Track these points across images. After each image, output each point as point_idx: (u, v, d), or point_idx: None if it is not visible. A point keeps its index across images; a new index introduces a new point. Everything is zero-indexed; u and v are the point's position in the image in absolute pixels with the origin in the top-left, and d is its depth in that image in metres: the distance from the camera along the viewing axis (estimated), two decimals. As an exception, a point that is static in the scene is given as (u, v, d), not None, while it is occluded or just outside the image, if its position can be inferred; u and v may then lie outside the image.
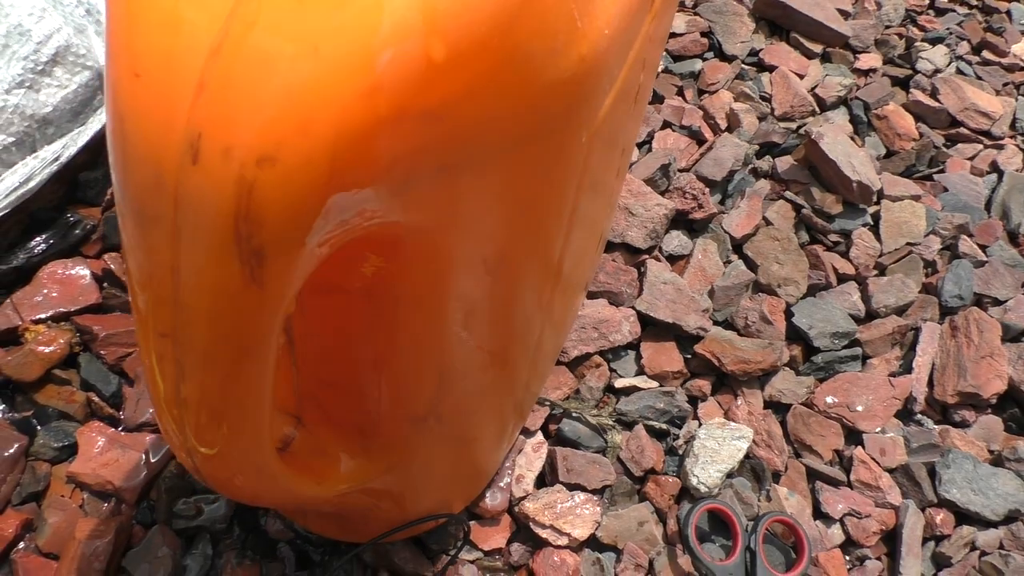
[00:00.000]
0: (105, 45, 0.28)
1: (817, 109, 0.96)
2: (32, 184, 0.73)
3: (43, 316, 0.72)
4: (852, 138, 0.94)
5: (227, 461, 0.38)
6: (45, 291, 0.73)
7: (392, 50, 0.26)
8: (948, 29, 1.08)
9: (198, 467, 0.38)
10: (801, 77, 0.99)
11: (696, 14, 1.03)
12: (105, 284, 0.75)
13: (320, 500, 0.49)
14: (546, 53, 0.30)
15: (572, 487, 0.68)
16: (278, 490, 0.43)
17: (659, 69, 0.97)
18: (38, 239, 0.75)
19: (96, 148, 0.78)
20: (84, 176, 0.79)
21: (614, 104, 0.40)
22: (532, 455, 0.69)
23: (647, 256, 0.81)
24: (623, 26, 0.35)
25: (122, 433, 0.69)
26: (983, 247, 0.87)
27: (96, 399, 0.69)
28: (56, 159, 0.75)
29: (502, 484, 0.68)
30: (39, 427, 0.68)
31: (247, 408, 0.35)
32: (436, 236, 0.34)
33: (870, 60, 1.01)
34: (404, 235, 0.34)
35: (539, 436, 0.71)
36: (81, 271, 0.75)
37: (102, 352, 0.71)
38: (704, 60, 0.99)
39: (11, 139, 0.72)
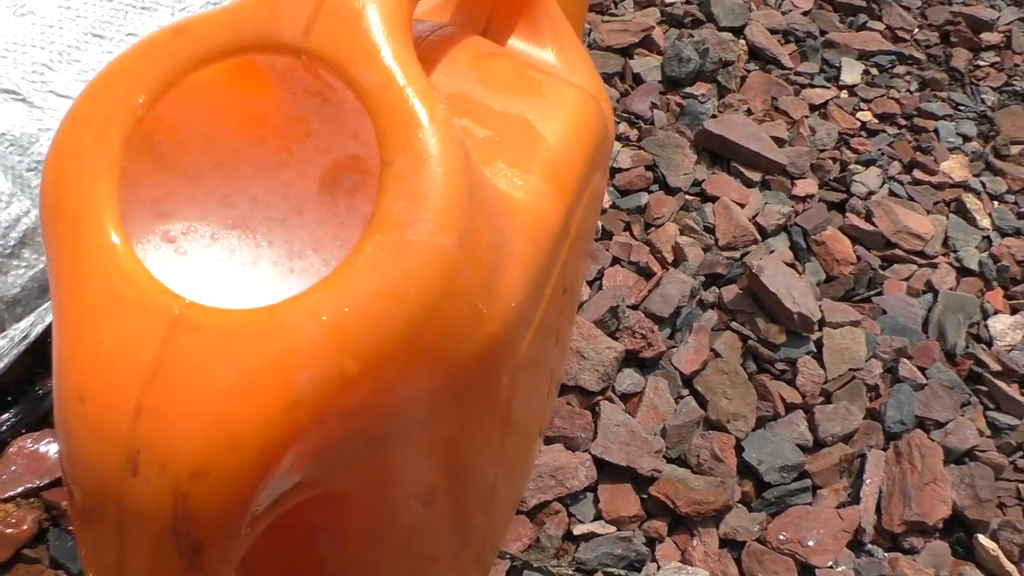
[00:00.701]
0: (53, 368, 0.31)
1: (759, 237, 1.01)
2: (2, 365, 0.75)
3: (12, 494, 0.74)
4: (792, 265, 0.99)
5: None
6: (14, 468, 0.75)
7: (310, 371, 0.30)
8: (879, 150, 1.14)
9: None
10: (742, 206, 1.04)
11: (641, 148, 1.09)
12: (74, 455, 0.76)
13: None
14: (454, 344, 0.33)
15: (534, 642, 0.70)
16: None
17: (607, 205, 1.02)
18: (7, 415, 0.77)
19: (65, 319, 0.81)
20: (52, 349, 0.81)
21: (538, 327, 0.44)
22: (494, 611, 0.71)
23: (600, 397, 0.84)
24: (532, 288, 0.39)
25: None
26: (922, 369, 0.91)
27: (65, 576, 0.71)
28: (25, 338, 0.78)
29: (465, 644, 0.69)
30: (8, 609, 0.69)
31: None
32: (366, 490, 0.37)
33: (806, 186, 1.07)
34: (337, 492, 0.37)
35: (501, 590, 0.73)
36: (48, 444, 0.77)
37: (70, 528, 0.72)
38: (650, 193, 1.05)
39: (-19, 323, 0.75)
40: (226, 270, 0.37)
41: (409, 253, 0.30)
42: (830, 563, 0.77)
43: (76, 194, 0.32)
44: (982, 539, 0.79)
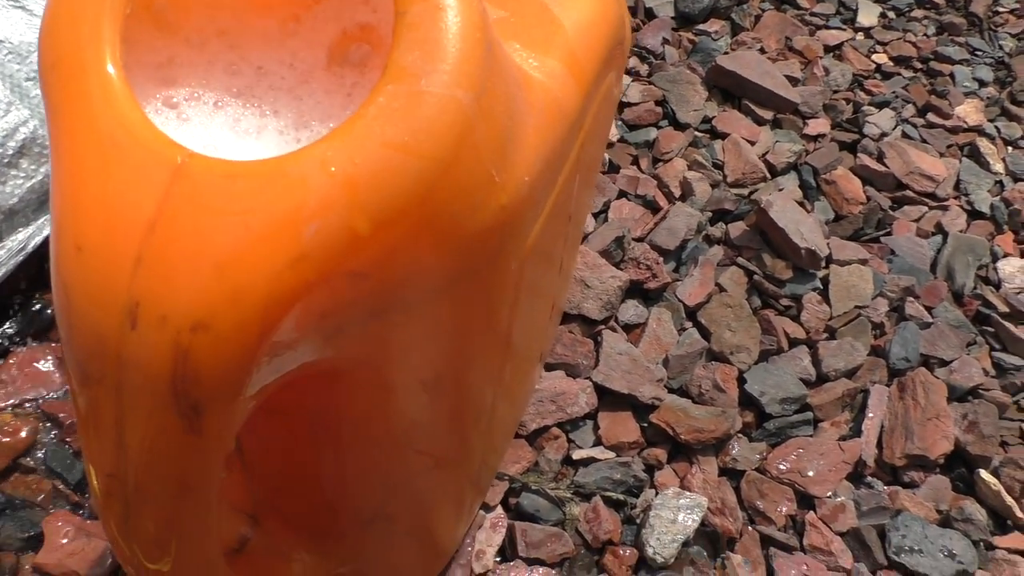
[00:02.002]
0: (51, 219, 0.30)
1: (768, 175, 1.00)
2: (0, 273, 0.74)
3: (9, 403, 0.73)
4: (802, 203, 0.97)
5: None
6: (12, 379, 0.75)
7: (317, 223, 0.29)
8: (894, 92, 1.12)
9: (150, 584, 0.40)
10: (752, 144, 1.02)
11: (651, 83, 1.07)
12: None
13: (277, 599, 0.50)
14: (466, 210, 0.32)
15: (531, 561, 0.70)
16: (232, 597, 0.45)
17: (615, 139, 1.00)
18: (6, 326, 0.76)
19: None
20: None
21: (546, 223, 0.43)
22: (491, 530, 0.71)
23: (603, 327, 0.84)
24: (545, 167, 0.38)
25: (88, 521, 0.70)
26: (929, 308, 0.90)
27: (61, 487, 0.70)
28: (23, 248, 0.76)
29: (463, 561, 0.69)
30: (6, 517, 0.69)
31: (195, 532, 0.37)
32: (371, 368, 0.37)
33: (819, 126, 1.05)
34: (340, 368, 0.36)
35: (499, 510, 0.73)
36: (47, 357, 0.76)
37: (67, 439, 0.72)
38: (659, 128, 1.03)
39: (-22, 230, 0.74)
40: (230, 138, 0.36)
41: (423, 104, 0.29)
42: (829, 493, 0.77)
43: (77, 39, 0.31)
44: (984, 474, 0.79)
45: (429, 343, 0.38)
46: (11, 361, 0.75)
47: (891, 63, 1.16)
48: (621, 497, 0.74)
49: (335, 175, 0.29)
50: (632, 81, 1.06)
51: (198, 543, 0.38)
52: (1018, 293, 0.93)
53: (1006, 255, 0.96)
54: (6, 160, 0.75)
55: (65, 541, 0.68)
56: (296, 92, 0.37)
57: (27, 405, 0.73)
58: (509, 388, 0.58)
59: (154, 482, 0.33)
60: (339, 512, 0.49)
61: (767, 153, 1.02)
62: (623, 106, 1.04)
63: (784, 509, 0.75)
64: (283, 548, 0.51)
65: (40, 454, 0.72)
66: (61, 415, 0.73)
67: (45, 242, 0.78)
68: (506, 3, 0.42)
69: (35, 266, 0.80)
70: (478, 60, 0.30)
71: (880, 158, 1.03)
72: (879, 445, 0.80)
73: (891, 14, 1.24)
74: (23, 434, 0.72)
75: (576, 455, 0.76)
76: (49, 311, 0.79)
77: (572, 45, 0.42)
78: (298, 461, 0.46)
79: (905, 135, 1.07)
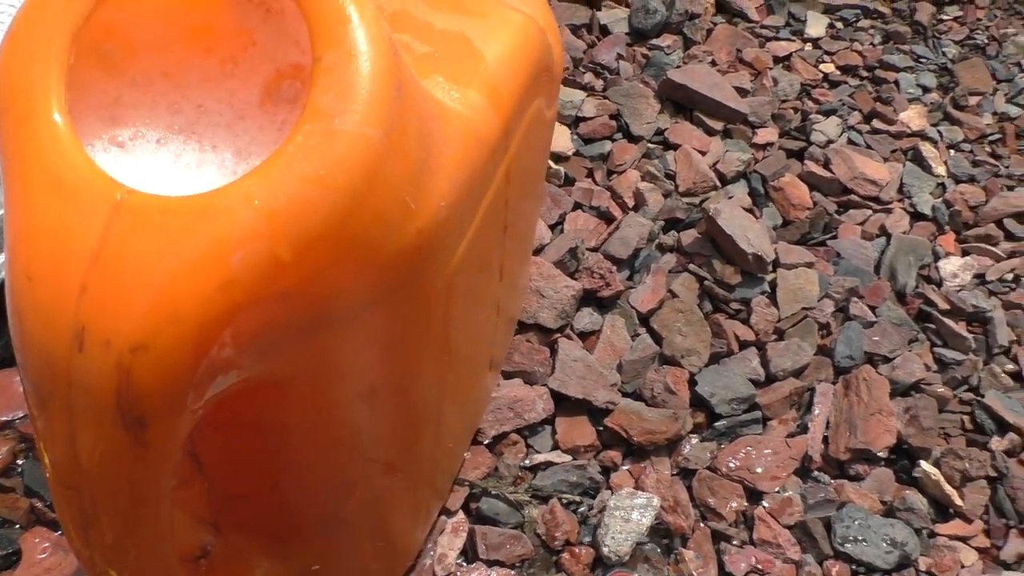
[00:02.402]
0: (4, 251, 0.33)
1: (718, 184, 1.04)
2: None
3: (-15, 425, 0.76)
4: (751, 210, 1.01)
5: (138, 583, 0.43)
6: (-13, 401, 0.77)
7: (243, 251, 0.32)
8: (841, 100, 1.16)
9: (112, 590, 0.43)
10: (703, 154, 1.06)
11: (605, 98, 1.10)
12: (45, 390, 0.78)
13: (239, 603, 0.53)
14: (383, 235, 0.36)
15: (491, 563, 0.73)
16: (193, 600, 0.48)
17: (570, 152, 1.04)
18: (-21, 351, 0.79)
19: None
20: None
21: (474, 241, 0.46)
22: (453, 534, 0.74)
23: (559, 335, 0.87)
24: (464, 192, 0.41)
25: (63, 537, 0.72)
26: (873, 308, 0.94)
27: (39, 504, 0.73)
28: (-6, 275, 0.79)
29: (425, 564, 0.72)
30: (-18, 535, 0.71)
31: (150, 539, 0.40)
32: (309, 382, 0.40)
33: (767, 135, 1.09)
34: (280, 382, 0.39)
35: (460, 515, 0.76)
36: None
37: (42, 458, 0.74)
38: (613, 141, 1.07)
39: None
40: (172, 172, 0.39)
41: (336, 142, 0.32)
42: (777, 488, 0.80)
43: (25, 87, 0.34)
44: (925, 465, 0.82)
45: (362, 357, 0.41)
46: (-14, 385, 0.78)
47: (838, 72, 1.21)
48: (578, 499, 0.78)
49: (258, 207, 0.32)
50: (587, 96, 1.10)
51: (155, 550, 0.41)
52: (958, 291, 0.97)
53: (947, 255, 1.01)
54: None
55: (42, 557, 0.70)
56: (234, 128, 0.40)
57: (4, 428, 0.76)
58: (457, 394, 0.61)
59: (108, 493, 0.36)
60: (296, 517, 0.52)
61: (717, 163, 1.06)
62: (578, 120, 1.07)
63: (734, 505, 0.79)
64: (244, 554, 0.54)
65: (18, 474, 0.75)
66: (35, 435, 0.75)
67: (16, 269, 0.80)
68: (432, 39, 0.45)
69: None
70: (388, 100, 0.33)
71: (826, 164, 1.07)
72: (825, 441, 0.84)
73: (839, 24, 1.28)
74: (1, 454, 0.74)
75: (534, 460, 0.79)
76: (22, 335, 0.82)
77: (492, 77, 0.45)
78: (253, 470, 0.49)
79: (851, 141, 1.11)
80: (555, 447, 0.81)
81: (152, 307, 0.31)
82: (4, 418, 0.76)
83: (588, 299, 0.90)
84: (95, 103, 0.39)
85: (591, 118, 1.08)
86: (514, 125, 0.48)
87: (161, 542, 0.40)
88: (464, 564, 0.73)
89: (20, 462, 0.75)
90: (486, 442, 0.80)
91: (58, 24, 0.34)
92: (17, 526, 0.72)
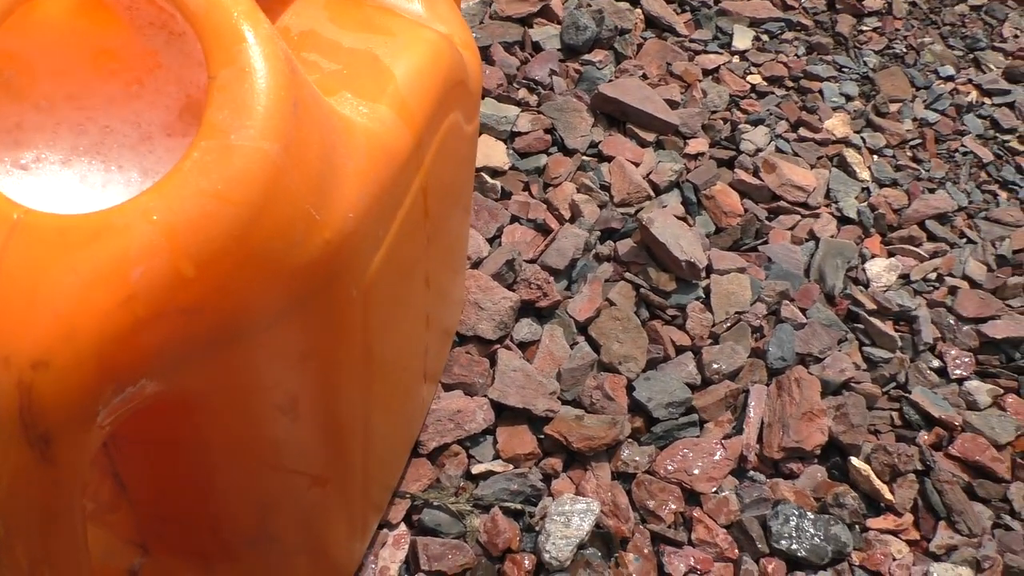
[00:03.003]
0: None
1: (652, 194, 1.06)
2: None
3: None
4: (684, 218, 1.04)
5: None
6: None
7: (143, 266, 0.33)
8: (768, 110, 1.20)
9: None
10: (637, 165, 1.08)
11: (540, 113, 1.12)
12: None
13: (169, 624, 0.53)
14: (287, 247, 0.36)
15: (433, 574, 0.73)
16: (117, 622, 0.48)
17: (507, 167, 1.06)
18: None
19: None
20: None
21: (392, 251, 0.47)
22: (394, 547, 0.74)
23: (498, 346, 0.88)
24: (374, 204, 0.42)
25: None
26: (803, 310, 0.97)
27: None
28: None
29: (367, 579, 0.72)
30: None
31: (65, 563, 0.40)
32: (223, 396, 0.40)
33: (698, 145, 1.12)
34: (194, 397, 0.40)
35: (402, 527, 0.76)
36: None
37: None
38: (548, 155, 1.08)
39: None
40: (79, 192, 0.39)
41: (233, 157, 0.33)
42: (714, 489, 0.82)
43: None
44: (855, 461, 0.85)
45: (276, 368, 0.41)
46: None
47: (765, 83, 1.24)
48: (519, 507, 0.78)
49: (156, 223, 0.32)
50: (522, 112, 1.12)
51: (72, 570, 0.41)
52: (884, 291, 1.00)
53: (873, 256, 1.04)
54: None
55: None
56: (140, 148, 0.40)
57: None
58: (387, 405, 0.62)
59: (18, 514, 0.36)
60: (224, 535, 0.52)
61: (651, 173, 1.08)
62: (513, 135, 1.09)
63: (673, 507, 0.80)
64: (174, 575, 0.54)
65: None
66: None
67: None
68: (340, 57, 0.46)
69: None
70: (284, 115, 0.34)
71: (756, 172, 1.10)
72: (760, 441, 0.86)
73: (764, 37, 1.32)
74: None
75: (476, 469, 0.80)
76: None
77: (402, 92, 0.47)
78: (177, 489, 0.49)
79: (779, 149, 1.15)
80: (496, 456, 0.82)
81: (51, 324, 0.32)
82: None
83: (527, 310, 0.92)
84: (-2, 127, 0.39)
85: (526, 133, 1.09)
86: (427, 139, 0.49)
87: (78, 562, 0.40)
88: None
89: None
90: (426, 454, 0.80)
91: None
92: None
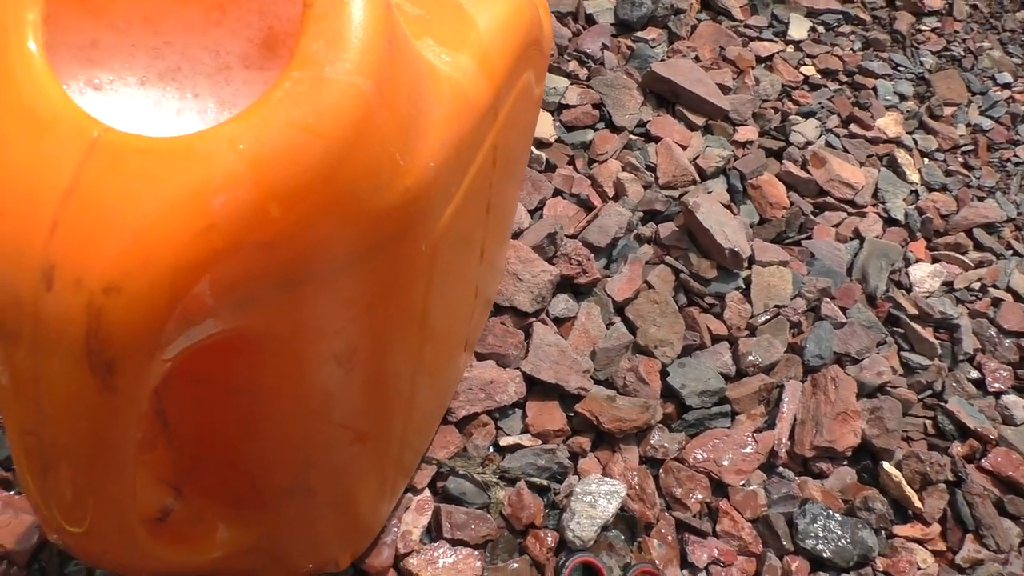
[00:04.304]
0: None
1: (698, 179, 1.04)
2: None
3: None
4: (728, 206, 1.02)
5: (96, 538, 0.42)
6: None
7: (224, 195, 0.31)
8: (820, 103, 1.17)
9: (68, 544, 0.42)
10: (684, 148, 1.06)
11: (589, 87, 1.10)
12: None
13: (197, 567, 0.52)
14: (371, 189, 0.35)
15: (455, 543, 0.72)
16: (151, 561, 0.47)
17: (552, 139, 1.04)
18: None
19: None
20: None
21: (460, 209, 0.46)
22: (418, 512, 0.73)
23: (534, 319, 0.87)
24: (452, 155, 0.40)
25: (16, 496, 0.70)
26: (844, 309, 0.95)
27: (-9, 464, 0.71)
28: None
29: (388, 540, 0.71)
30: (-69, 494, 0.69)
31: (111, 493, 0.39)
32: (284, 339, 0.39)
33: (747, 132, 1.10)
34: (255, 337, 0.38)
35: (426, 493, 0.75)
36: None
37: (-2, 419, 0.73)
38: (595, 131, 1.06)
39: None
40: (151, 118, 0.38)
41: (325, 89, 0.32)
42: (742, 482, 0.81)
43: (1, 18, 0.32)
44: (887, 467, 0.83)
45: (340, 315, 0.40)
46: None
47: (818, 75, 1.22)
48: (545, 483, 0.77)
49: (242, 152, 0.31)
50: (571, 84, 1.10)
51: (115, 506, 0.40)
52: (927, 297, 0.98)
53: (917, 260, 1.02)
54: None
55: (-8, 517, 0.68)
56: (216, 78, 0.39)
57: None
58: (431, 370, 0.60)
59: (70, 439, 0.35)
60: (260, 483, 0.51)
61: (698, 157, 1.06)
62: (561, 108, 1.07)
63: (699, 496, 0.79)
64: (206, 518, 0.53)
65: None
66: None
67: None
68: (423, 2, 0.45)
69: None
70: (379, 51, 0.33)
71: (804, 165, 1.08)
72: (791, 437, 0.84)
73: (820, 28, 1.29)
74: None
75: (503, 442, 0.79)
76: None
77: (484, 43, 0.45)
78: (219, 432, 0.48)
79: (828, 144, 1.12)
80: (525, 430, 0.80)
81: (127, 248, 0.30)
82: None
83: (564, 285, 0.90)
84: (71, 43, 0.38)
85: (574, 106, 1.07)
86: (504, 93, 0.47)
87: (123, 497, 0.39)
88: (427, 542, 0.73)
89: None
90: (455, 421, 0.79)
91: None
92: (-32, 487, 0.71)
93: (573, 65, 1.12)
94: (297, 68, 0.32)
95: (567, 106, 1.07)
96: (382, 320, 0.44)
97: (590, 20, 1.18)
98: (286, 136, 0.31)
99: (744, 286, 0.95)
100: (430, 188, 0.38)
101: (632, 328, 0.89)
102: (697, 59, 1.18)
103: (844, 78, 1.23)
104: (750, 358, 0.88)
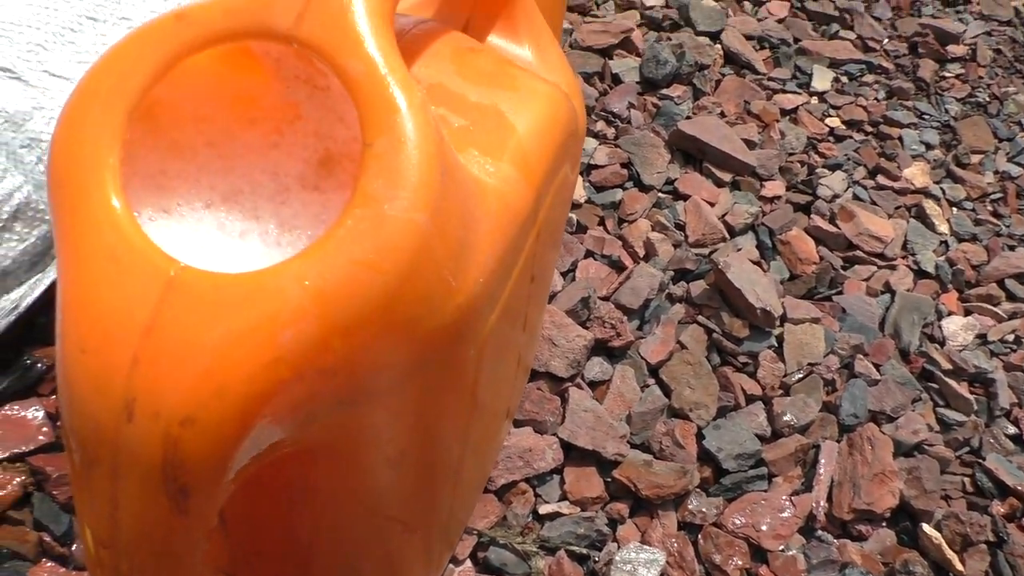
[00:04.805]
0: (57, 322, 0.34)
1: (727, 235, 1.05)
2: (-9, 334, 0.78)
3: (-2, 459, 0.76)
4: (758, 263, 1.03)
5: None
6: (1, 433, 0.77)
7: (291, 330, 0.33)
8: (846, 155, 1.18)
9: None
10: (712, 205, 1.08)
11: (617, 146, 1.12)
12: (58, 422, 0.79)
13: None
14: (425, 313, 0.37)
15: (497, 613, 0.73)
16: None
17: (583, 200, 1.06)
18: (-6, 383, 0.80)
19: (52, 292, 0.84)
20: (41, 319, 0.84)
21: (505, 306, 0.47)
22: (460, 583, 0.75)
23: (570, 384, 0.88)
24: (498, 265, 0.42)
25: (73, 572, 0.72)
26: (877, 366, 0.95)
27: (48, 539, 0.73)
28: (15, 308, 0.80)
29: (432, 613, 0.72)
30: (-10, 570, 0.71)
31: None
32: (338, 449, 0.41)
33: (775, 187, 1.11)
34: (310, 449, 0.40)
35: (468, 564, 0.76)
36: (35, 411, 0.79)
37: (54, 492, 0.75)
38: (624, 190, 1.08)
39: (-30, 294, 0.77)
40: (217, 240, 0.40)
41: (385, 226, 0.34)
42: (781, 547, 0.81)
43: (81, 162, 0.35)
44: (926, 528, 0.83)
45: (393, 427, 0.42)
46: (0, 415, 0.78)
47: (843, 126, 1.23)
48: (584, 551, 0.78)
49: (307, 288, 0.33)
50: (599, 144, 1.12)
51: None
52: (960, 350, 0.98)
53: (950, 313, 1.02)
54: (1, 224, 0.79)
55: (48, 595, 0.70)
56: (276, 199, 0.41)
57: (17, 460, 0.76)
58: (476, 445, 0.62)
59: (144, 555, 0.37)
60: (312, 571, 0.53)
61: (726, 214, 1.07)
62: (591, 168, 1.09)
63: (739, 562, 0.79)
64: (259, 605, 0.54)
65: (28, 507, 0.75)
66: (49, 468, 0.75)
67: (36, 300, 0.81)
68: (467, 112, 0.47)
69: (27, 325, 0.84)
70: (434, 186, 0.35)
71: (832, 219, 1.09)
72: (829, 499, 0.84)
73: (844, 79, 1.31)
74: (12, 488, 0.74)
75: (542, 510, 0.80)
76: (39, 365, 0.82)
77: (524, 148, 0.47)
78: (273, 526, 0.49)
79: (856, 197, 1.13)
80: (563, 497, 0.81)
81: (201, 382, 0.32)
82: (16, 450, 0.77)
83: (598, 348, 0.91)
84: (143, 171, 0.40)
85: (603, 166, 1.09)
86: (543, 193, 0.49)
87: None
88: (470, 614, 0.73)
89: (31, 495, 0.75)
90: (495, 490, 0.80)
91: (115, 101, 0.36)
92: (26, 560, 0.73)
93: (601, 125, 1.15)
94: (358, 206, 0.34)
95: (596, 166, 1.09)
96: (431, 422, 0.45)
97: (616, 79, 1.21)
98: (348, 272, 0.33)
99: (777, 344, 0.95)
100: (479, 301, 0.40)
101: (667, 390, 0.90)
102: (722, 114, 1.20)
103: (869, 128, 1.24)
104: (785, 418, 0.89)
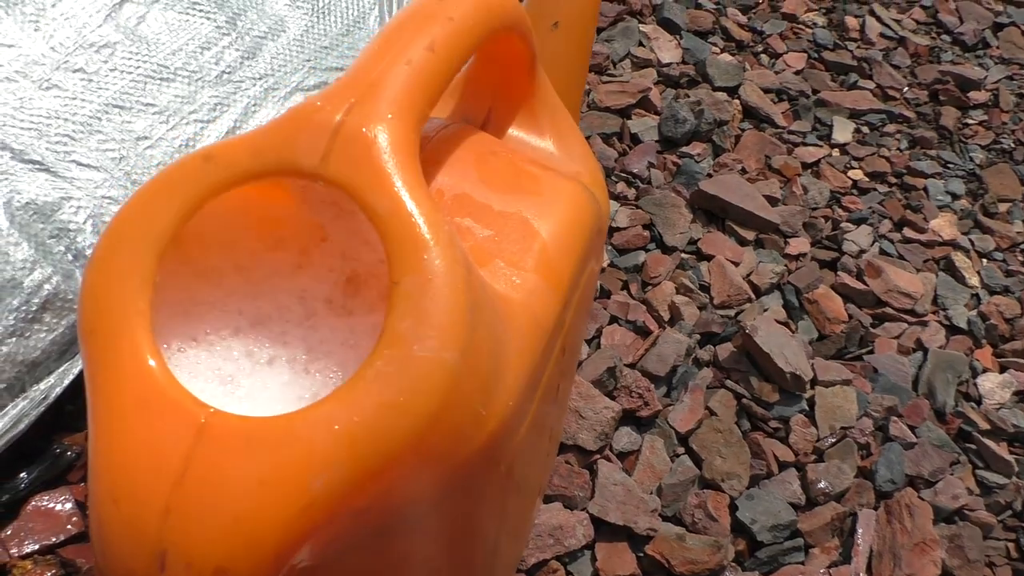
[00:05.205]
0: (89, 470, 0.34)
1: (753, 296, 1.04)
2: (22, 426, 0.78)
3: (29, 550, 0.76)
4: (786, 323, 1.02)
5: None
6: (31, 525, 0.78)
7: (324, 476, 0.33)
8: (870, 208, 1.17)
9: None
10: (736, 265, 1.07)
11: (638, 207, 1.12)
12: (87, 511, 0.79)
13: None
14: (456, 446, 0.36)
15: None
16: None
17: (606, 264, 1.05)
18: (24, 473, 0.80)
19: (80, 380, 0.84)
20: (69, 407, 0.84)
21: (537, 409, 0.47)
22: (494, 670, 0.73)
23: (598, 456, 0.87)
24: (527, 380, 0.42)
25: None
26: (912, 428, 0.94)
27: (78, 633, 0.73)
28: (45, 398, 0.80)
29: None
30: (22, 667, 0.71)
31: None
32: (375, 568, 0.40)
33: (799, 245, 1.10)
34: (336, 572, 0.40)
35: (500, 649, 0.75)
36: (65, 500, 0.80)
37: (84, 585, 0.75)
38: (647, 252, 1.08)
39: (2, 385, 0.78)
40: (245, 368, 0.40)
41: (414, 367, 0.33)
42: (822, 622, 0.79)
43: (111, 309, 0.35)
44: (971, 598, 0.81)
45: (424, 546, 0.41)
46: (29, 507, 0.79)
47: (866, 178, 1.22)
48: (619, 631, 0.77)
49: (338, 432, 0.33)
50: (620, 206, 1.12)
51: None
52: (998, 409, 0.96)
53: (985, 370, 1.00)
54: (30, 316, 0.80)
55: None
56: (304, 324, 0.41)
57: (47, 552, 0.76)
58: (512, 525, 0.61)
59: None
60: None
61: (751, 274, 1.06)
62: (613, 231, 1.09)
63: (778, 639, 0.78)
64: None
65: (57, 601, 0.75)
66: (80, 561, 0.75)
67: (65, 391, 0.82)
68: (491, 222, 0.47)
69: (55, 412, 0.84)
70: (462, 324, 0.34)
71: (859, 276, 1.08)
72: (868, 571, 0.82)
73: (865, 129, 1.30)
74: (41, 582, 0.75)
75: (574, 588, 0.79)
76: (69, 453, 0.83)
77: (550, 254, 0.47)
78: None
79: (883, 251, 1.12)
80: (595, 574, 0.80)
81: (233, 531, 0.32)
82: (47, 542, 0.77)
83: (626, 418, 0.90)
84: (171, 300, 0.40)
85: (624, 228, 1.09)
86: (570, 296, 0.49)
87: None
88: None
89: (62, 589, 0.75)
90: (526, 569, 0.79)
91: (143, 245, 0.36)
92: (57, 656, 0.72)
93: (621, 186, 1.15)
94: (387, 346, 0.34)
95: (618, 228, 1.09)
96: (469, 528, 0.45)
97: (635, 139, 1.21)
98: (378, 415, 0.33)
99: (808, 408, 0.94)
100: (509, 421, 0.40)
101: (697, 460, 0.88)
102: (743, 171, 1.20)
103: (893, 180, 1.23)
104: (819, 486, 0.87)
